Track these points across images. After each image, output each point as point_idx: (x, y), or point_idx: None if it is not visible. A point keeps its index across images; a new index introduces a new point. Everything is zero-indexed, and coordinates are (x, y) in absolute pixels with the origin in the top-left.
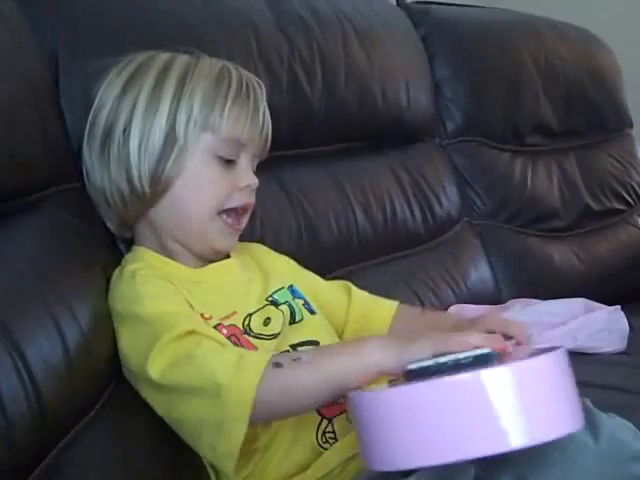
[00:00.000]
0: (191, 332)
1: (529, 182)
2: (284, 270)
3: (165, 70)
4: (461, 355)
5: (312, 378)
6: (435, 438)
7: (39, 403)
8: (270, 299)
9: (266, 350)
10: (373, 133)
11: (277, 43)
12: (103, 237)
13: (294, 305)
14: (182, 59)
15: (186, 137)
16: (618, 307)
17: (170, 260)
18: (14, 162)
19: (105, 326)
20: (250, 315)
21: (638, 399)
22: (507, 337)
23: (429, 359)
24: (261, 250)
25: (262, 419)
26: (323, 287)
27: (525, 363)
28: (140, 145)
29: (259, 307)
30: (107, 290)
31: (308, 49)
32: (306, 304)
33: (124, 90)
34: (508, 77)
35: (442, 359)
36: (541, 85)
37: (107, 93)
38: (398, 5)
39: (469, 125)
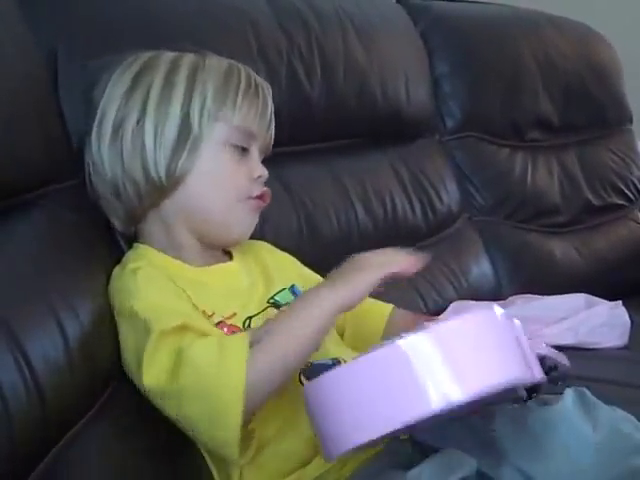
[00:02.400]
0: (180, 328)
1: (529, 177)
2: (287, 269)
3: (174, 66)
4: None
5: (290, 341)
6: (363, 414)
7: (40, 400)
8: (272, 301)
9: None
10: (372, 129)
11: (276, 39)
12: (103, 235)
13: None
14: (189, 56)
15: (200, 126)
16: (619, 302)
17: (172, 259)
18: (14, 160)
19: (106, 323)
20: (250, 318)
21: (639, 394)
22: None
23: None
24: (265, 249)
25: (256, 404)
26: None
27: (433, 330)
28: (155, 136)
29: (260, 310)
30: (107, 287)
31: (307, 45)
32: None
33: (132, 86)
34: (507, 72)
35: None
36: (540, 80)
37: (115, 90)
38: (397, 1)
39: (469, 121)
